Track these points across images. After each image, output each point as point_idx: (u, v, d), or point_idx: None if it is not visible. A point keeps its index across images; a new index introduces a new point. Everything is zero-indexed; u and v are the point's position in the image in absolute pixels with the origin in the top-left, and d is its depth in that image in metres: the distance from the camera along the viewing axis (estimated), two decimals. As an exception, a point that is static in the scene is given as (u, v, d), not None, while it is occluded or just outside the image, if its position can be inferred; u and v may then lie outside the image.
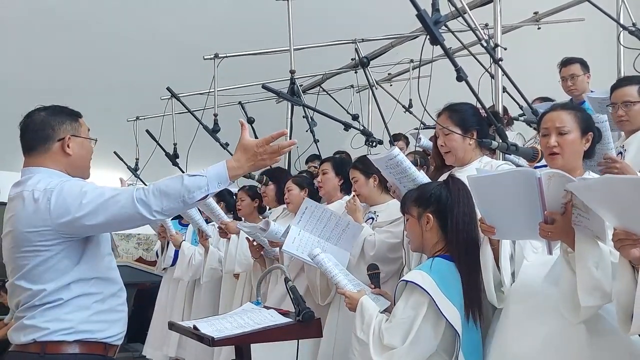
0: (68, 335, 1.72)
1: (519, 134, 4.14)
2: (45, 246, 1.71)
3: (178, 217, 4.99)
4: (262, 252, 3.27)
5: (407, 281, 1.85)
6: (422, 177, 2.29)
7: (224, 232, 3.61)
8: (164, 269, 4.61)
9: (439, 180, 2.39)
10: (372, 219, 2.78)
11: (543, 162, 2.19)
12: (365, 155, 3.02)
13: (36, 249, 1.71)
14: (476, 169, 2.07)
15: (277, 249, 3.09)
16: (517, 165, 2.50)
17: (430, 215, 1.94)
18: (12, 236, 1.75)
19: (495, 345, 1.80)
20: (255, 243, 3.26)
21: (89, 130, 1.92)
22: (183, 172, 4.61)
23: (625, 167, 2.22)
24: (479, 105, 2.37)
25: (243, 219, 3.89)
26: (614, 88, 2.63)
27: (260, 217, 3.81)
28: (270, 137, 1.75)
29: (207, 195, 1.71)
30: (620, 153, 2.53)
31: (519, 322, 1.75)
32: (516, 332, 1.74)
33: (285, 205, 3.48)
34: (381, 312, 1.96)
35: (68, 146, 1.82)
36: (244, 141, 1.76)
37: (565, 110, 1.90)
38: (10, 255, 1.77)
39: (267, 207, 3.81)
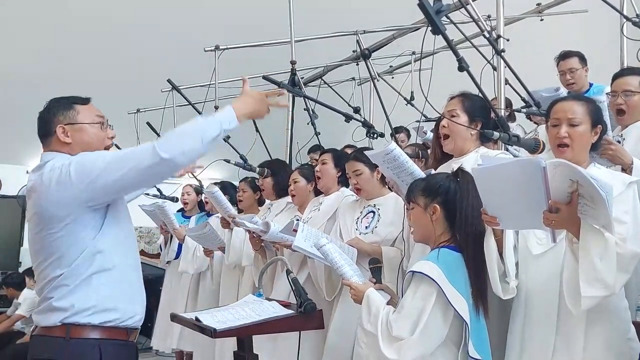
0: (92, 316, 1.75)
1: (519, 125, 4.13)
2: (71, 219, 1.74)
3: (181, 210, 5.01)
4: (262, 244, 3.27)
5: (414, 272, 1.85)
6: (420, 172, 2.29)
7: (227, 223, 3.61)
8: (168, 262, 4.62)
9: (437, 171, 2.40)
10: (373, 212, 2.76)
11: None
12: (363, 148, 3.01)
13: (61, 224, 1.74)
14: (481, 156, 2.07)
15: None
16: (515, 157, 2.50)
17: (437, 206, 1.93)
18: (38, 217, 1.78)
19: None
20: (255, 235, 3.26)
21: (103, 118, 1.92)
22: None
23: (619, 150, 2.22)
24: None
25: (243, 210, 3.89)
26: (615, 77, 2.63)
27: (260, 210, 3.80)
28: (273, 93, 1.97)
29: (220, 133, 1.78)
30: (618, 142, 2.53)
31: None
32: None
33: (287, 199, 3.47)
34: None
35: (67, 135, 1.86)
36: (247, 90, 1.93)
37: (577, 101, 1.89)
38: (35, 239, 1.81)
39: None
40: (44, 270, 1.79)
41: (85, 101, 1.93)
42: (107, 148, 1.94)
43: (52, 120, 1.87)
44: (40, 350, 1.79)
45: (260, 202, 3.87)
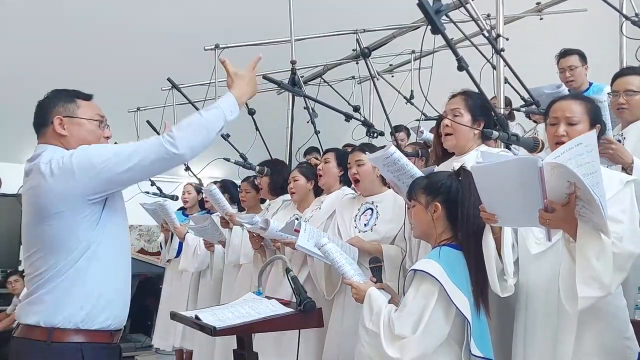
0: (75, 316, 1.72)
1: (518, 123, 4.14)
2: (69, 213, 1.72)
3: (181, 209, 5.02)
4: (262, 243, 3.28)
5: (416, 270, 1.85)
6: (420, 173, 2.29)
7: (226, 223, 3.62)
8: (168, 260, 4.63)
9: (438, 169, 2.40)
10: (371, 209, 2.76)
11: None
12: (368, 144, 3.01)
13: (59, 218, 1.72)
14: (481, 152, 2.08)
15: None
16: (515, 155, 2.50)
17: (439, 205, 1.94)
18: (33, 208, 1.76)
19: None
20: (255, 234, 3.27)
21: (103, 117, 1.92)
22: (184, 163, 4.64)
23: (620, 149, 2.22)
24: None
25: (246, 209, 3.90)
26: (616, 76, 2.63)
27: (262, 208, 3.82)
28: (253, 63, 1.95)
29: (225, 125, 1.83)
30: (619, 141, 2.53)
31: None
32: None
33: (284, 197, 3.48)
34: None
35: (63, 127, 1.84)
36: (234, 70, 1.92)
37: (576, 100, 1.90)
38: (29, 230, 1.78)
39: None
40: (35, 261, 1.76)
41: (87, 97, 1.92)
42: None
43: (51, 110, 1.85)
44: (22, 353, 1.76)
45: (263, 202, 3.89)
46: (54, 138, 1.84)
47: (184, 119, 1.81)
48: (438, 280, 1.77)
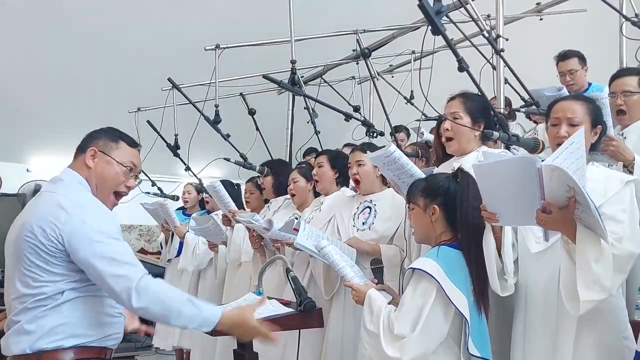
0: (64, 340, 1.69)
1: (518, 123, 4.14)
2: (50, 252, 1.68)
3: (182, 208, 5.03)
4: (262, 243, 3.28)
5: (414, 269, 1.85)
6: (420, 173, 2.30)
7: (227, 221, 3.62)
8: (169, 260, 4.64)
9: (438, 169, 2.41)
10: (370, 208, 2.76)
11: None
12: (368, 143, 3.01)
13: (42, 252, 1.68)
14: (483, 152, 2.08)
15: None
16: None
17: (437, 207, 1.94)
18: (22, 228, 1.72)
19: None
20: (255, 233, 3.27)
21: (136, 167, 1.90)
22: (185, 163, 4.64)
23: (621, 146, 2.22)
24: None
25: (249, 211, 3.90)
26: (613, 78, 2.63)
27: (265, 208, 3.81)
28: (266, 335, 1.83)
29: (191, 328, 1.77)
30: None
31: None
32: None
33: (286, 197, 3.48)
34: None
35: (93, 160, 1.84)
36: (249, 316, 1.82)
37: (578, 101, 1.90)
38: (14, 241, 1.74)
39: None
40: (15, 281, 1.71)
41: (133, 144, 1.92)
42: (118, 194, 1.90)
43: (93, 141, 1.87)
44: None
45: (267, 202, 3.89)
46: (81, 167, 1.85)
47: (171, 290, 1.76)
48: (436, 279, 1.78)
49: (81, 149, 1.88)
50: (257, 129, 4.28)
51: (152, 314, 1.71)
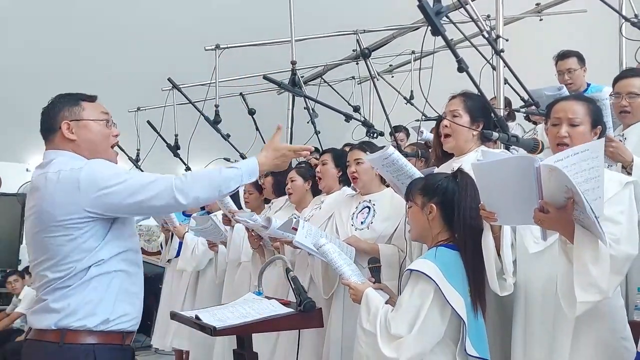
0: (88, 319, 1.72)
1: (518, 124, 4.14)
2: (72, 225, 1.71)
3: (180, 208, 5.02)
4: (261, 243, 3.28)
5: (412, 270, 1.86)
6: (419, 174, 2.30)
7: (228, 220, 3.62)
8: (169, 260, 4.64)
9: (437, 169, 2.41)
10: (368, 207, 2.76)
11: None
12: (368, 142, 3.01)
13: (63, 228, 1.71)
14: (482, 151, 2.08)
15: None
16: None
17: (434, 206, 1.94)
18: (38, 218, 1.75)
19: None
20: (254, 233, 3.27)
21: (108, 115, 1.91)
22: (185, 163, 4.66)
23: (620, 147, 2.23)
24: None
25: (249, 210, 3.90)
26: (618, 79, 2.64)
27: (266, 209, 3.81)
28: (301, 149, 2.01)
29: (239, 186, 1.86)
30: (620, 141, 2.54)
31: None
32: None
33: (287, 197, 3.48)
34: None
35: (72, 132, 1.83)
36: (276, 143, 1.95)
37: (578, 101, 1.91)
38: (34, 238, 1.77)
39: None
40: (41, 271, 1.76)
41: (91, 98, 1.91)
42: (111, 146, 1.92)
43: (57, 116, 1.84)
44: (33, 355, 1.76)
45: (268, 202, 3.89)
46: (64, 143, 1.83)
47: (202, 170, 1.83)
48: (433, 280, 1.78)
49: (50, 129, 1.84)
50: (257, 129, 4.28)
51: (204, 199, 1.81)
